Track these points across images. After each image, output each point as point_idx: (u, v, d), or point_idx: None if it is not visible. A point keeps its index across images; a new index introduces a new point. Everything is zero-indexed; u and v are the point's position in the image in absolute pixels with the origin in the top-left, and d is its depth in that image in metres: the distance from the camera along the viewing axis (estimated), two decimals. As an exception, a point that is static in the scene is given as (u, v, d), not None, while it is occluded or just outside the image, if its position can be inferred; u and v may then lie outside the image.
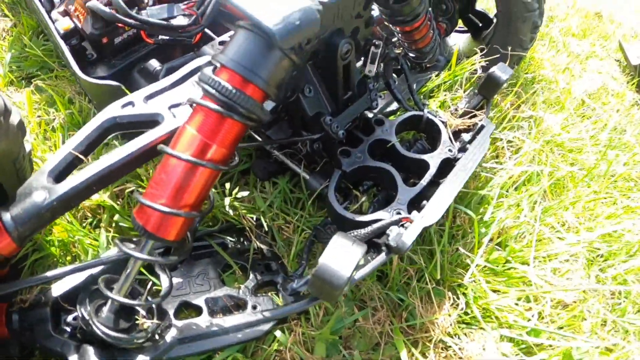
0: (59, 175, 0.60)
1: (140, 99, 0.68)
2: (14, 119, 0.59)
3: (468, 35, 1.27)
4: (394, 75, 0.91)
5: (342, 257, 0.53)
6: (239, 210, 0.81)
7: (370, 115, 0.84)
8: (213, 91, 0.53)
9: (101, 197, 0.82)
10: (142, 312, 0.63)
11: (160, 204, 0.54)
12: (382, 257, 0.64)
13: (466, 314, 0.80)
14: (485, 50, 1.09)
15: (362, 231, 0.66)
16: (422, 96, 0.99)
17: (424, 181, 0.74)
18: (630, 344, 0.94)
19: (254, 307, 0.72)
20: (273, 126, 0.81)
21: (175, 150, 0.55)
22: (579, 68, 1.39)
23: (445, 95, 0.94)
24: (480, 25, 1.21)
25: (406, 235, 0.62)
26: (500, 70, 0.84)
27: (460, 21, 1.24)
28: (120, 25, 0.88)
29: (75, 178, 0.58)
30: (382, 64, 0.85)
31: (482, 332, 0.77)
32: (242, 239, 0.81)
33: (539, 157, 0.92)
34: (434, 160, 0.77)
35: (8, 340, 0.63)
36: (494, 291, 0.82)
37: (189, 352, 0.65)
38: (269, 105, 0.71)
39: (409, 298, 0.77)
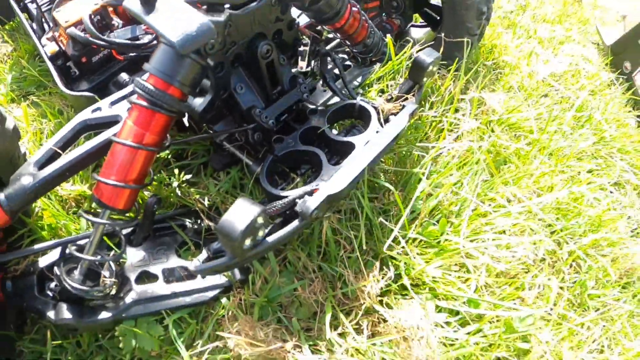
0: (42, 165, 0.78)
1: (106, 105, 0.86)
2: (9, 124, 0.79)
3: (428, 29, 1.32)
4: (337, 69, 0.99)
5: (239, 214, 0.62)
6: (193, 195, 0.92)
7: (310, 107, 0.93)
8: (143, 93, 0.69)
9: (82, 188, 0.96)
10: (105, 273, 0.77)
11: (111, 180, 0.70)
12: (294, 223, 0.71)
13: (401, 286, 0.85)
14: (434, 41, 1.15)
15: (279, 202, 0.73)
16: (366, 87, 1.06)
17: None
18: (585, 316, 0.95)
19: (203, 277, 0.83)
20: (220, 122, 0.90)
21: (120, 138, 0.71)
22: (548, 53, 1.40)
23: (385, 84, 1.01)
24: (438, 18, 1.27)
25: (310, 201, 0.70)
26: (425, 55, 0.89)
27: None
28: (95, 46, 1.03)
29: (53, 166, 0.76)
30: (316, 60, 0.94)
31: (413, 301, 0.82)
32: (198, 221, 0.91)
33: (480, 135, 0.96)
34: (360, 141, 0.83)
35: (3, 303, 0.79)
36: (427, 262, 0.87)
37: (145, 311, 0.79)
38: (204, 101, 0.82)
39: (343, 269, 0.84)
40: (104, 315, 0.76)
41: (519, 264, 0.89)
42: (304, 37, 0.92)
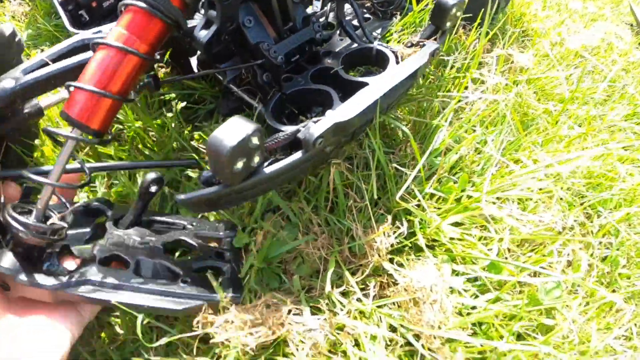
0: (29, 71, 0.70)
1: (108, 28, 0.74)
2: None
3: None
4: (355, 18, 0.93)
5: (230, 130, 0.54)
6: (197, 142, 0.85)
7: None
8: None
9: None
10: (57, 219, 0.64)
11: (88, 86, 0.60)
12: (297, 154, 0.63)
13: (414, 245, 0.77)
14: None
15: (281, 133, 0.66)
16: (385, 40, 0.98)
17: None
18: (616, 293, 0.86)
19: (183, 282, 0.68)
20: (227, 61, 0.83)
21: (106, 41, 0.62)
22: (579, 26, 1.32)
23: (406, 37, 0.94)
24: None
25: (314, 128, 0.62)
26: (449, -4, 0.82)
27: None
28: None
29: (39, 72, 0.69)
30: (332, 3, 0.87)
31: (428, 261, 0.74)
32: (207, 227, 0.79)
33: (506, 91, 0.89)
34: (375, 81, 0.75)
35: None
36: (444, 218, 0.79)
37: (91, 295, 0.62)
38: (209, 31, 0.75)
39: (351, 222, 0.76)
40: (47, 282, 0.61)
41: (545, 229, 0.80)
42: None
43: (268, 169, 0.62)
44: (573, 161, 0.86)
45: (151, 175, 0.71)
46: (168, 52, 0.85)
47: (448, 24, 0.84)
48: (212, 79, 0.89)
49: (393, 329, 0.70)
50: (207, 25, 0.75)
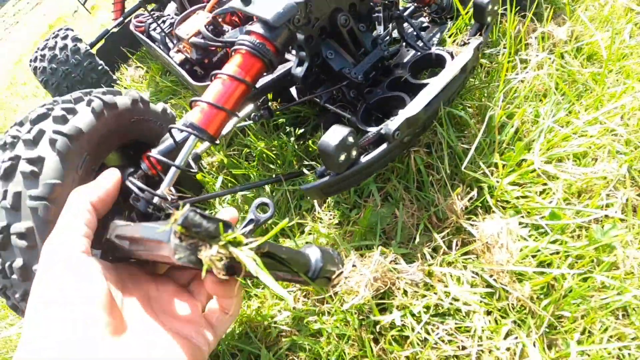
0: None
1: None
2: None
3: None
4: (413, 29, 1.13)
5: (332, 134, 0.79)
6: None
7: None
8: (248, 43, 0.87)
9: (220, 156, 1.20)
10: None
11: (210, 100, 0.84)
12: (383, 146, 0.86)
13: (485, 206, 0.96)
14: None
15: (370, 133, 0.88)
16: (444, 42, 1.16)
17: None
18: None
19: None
20: (320, 87, 1.08)
21: (223, 71, 0.87)
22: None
23: (460, 36, 1.11)
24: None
25: (391, 124, 0.84)
26: (483, -5, 0.99)
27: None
28: (213, 48, 1.28)
29: None
30: (393, 25, 1.08)
31: (495, 215, 0.93)
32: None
33: (550, 65, 1.02)
34: (435, 80, 0.96)
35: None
36: (509, 183, 0.96)
37: None
38: (303, 68, 1.01)
39: (434, 194, 0.97)
40: None
41: (599, 179, 0.95)
42: (378, 5, 1.07)
43: (364, 159, 0.86)
44: (619, 110, 0.98)
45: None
46: (270, 95, 1.12)
47: (489, 19, 1.01)
48: (311, 102, 1.15)
49: (475, 274, 0.90)
50: (300, 63, 1.00)
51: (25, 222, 0.76)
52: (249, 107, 1.04)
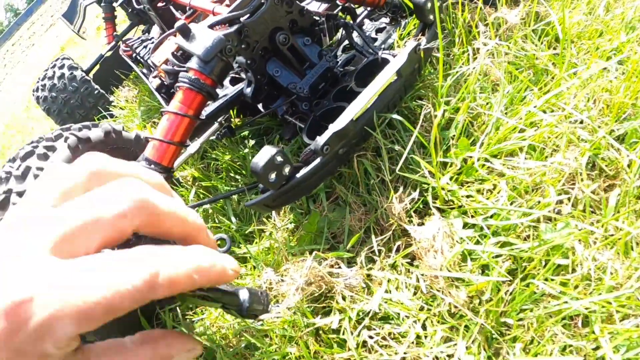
0: None
1: None
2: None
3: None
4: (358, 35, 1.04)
5: (261, 155, 0.76)
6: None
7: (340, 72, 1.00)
8: (188, 81, 0.86)
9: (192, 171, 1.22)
10: None
11: (160, 138, 0.86)
12: (316, 160, 0.81)
13: (427, 206, 0.86)
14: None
15: (307, 148, 0.83)
16: (400, 42, 1.05)
17: None
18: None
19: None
20: (275, 101, 1.04)
21: (168, 109, 0.87)
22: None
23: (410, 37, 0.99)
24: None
25: (319, 139, 0.79)
26: (418, -5, 0.87)
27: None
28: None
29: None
30: (340, 32, 1.00)
31: (434, 217, 0.82)
32: None
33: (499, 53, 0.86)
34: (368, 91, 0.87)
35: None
36: (452, 179, 0.85)
37: None
38: (251, 88, 0.99)
39: (377, 197, 0.88)
40: None
41: (552, 172, 0.79)
42: (321, 17, 1.00)
43: (299, 174, 0.82)
44: (578, 91, 0.80)
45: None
46: (234, 110, 1.10)
47: (430, 17, 0.89)
48: (273, 115, 1.12)
49: (416, 279, 0.81)
50: (249, 84, 0.98)
51: (26, 184, 0.85)
52: (214, 127, 1.05)
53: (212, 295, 0.60)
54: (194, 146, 1.01)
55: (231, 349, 0.92)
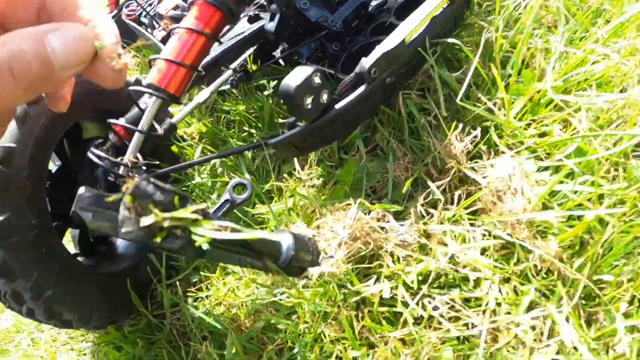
0: None
1: None
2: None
3: None
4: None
5: (294, 75, 0.59)
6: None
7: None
8: None
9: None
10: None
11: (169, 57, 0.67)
12: (361, 87, 0.65)
13: (491, 147, 0.70)
14: None
15: (347, 78, 0.67)
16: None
17: None
18: None
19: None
20: (300, 42, 0.88)
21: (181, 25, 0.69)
22: None
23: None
24: None
25: (365, 60, 0.63)
26: None
27: None
28: None
29: None
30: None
31: (505, 156, 0.67)
32: None
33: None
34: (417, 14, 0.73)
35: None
36: (517, 118, 0.70)
37: None
38: (275, 21, 0.82)
39: (428, 139, 0.72)
40: None
41: (631, 105, 0.66)
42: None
43: (338, 105, 0.65)
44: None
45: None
46: (251, 55, 0.93)
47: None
48: (293, 62, 0.96)
49: (485, 232, 0.65)
50: (272, 17, 0.82)
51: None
52: (227, 73, 0.87)
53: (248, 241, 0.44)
54: (202, 95, 0.82)
55: (245, 332, 0.69)
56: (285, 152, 0.71)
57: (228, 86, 0.89)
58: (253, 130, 0.91)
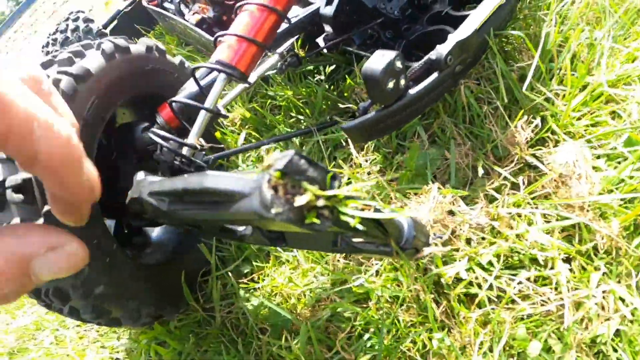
0: None
1: None
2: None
3: None
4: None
5: (378, 58, 0.58)
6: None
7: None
8: None
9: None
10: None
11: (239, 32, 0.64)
12: (434, 74, 0.65)
13: (551, 135, 0.74)
14: None
15: (417, 64, 0.68)
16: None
17: None
18: None
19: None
20: (353, 29, 0.86)
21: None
22: None
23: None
24: None
25: (440, 47, 0.64)
26: None
27: None
28: (230, 1, 1.07)
29: None
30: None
31: (565, 143, 0.71)
32: None
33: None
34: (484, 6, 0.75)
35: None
36: (574, 109, 0.75)
37: None
38: (333, 5, 0.80)
39: (490, 126, 0.75)
40: None
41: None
42: None
43: (413, 90, 0.65)
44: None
45: None
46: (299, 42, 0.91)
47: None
48: (341, 50, 0.94)
49: (549, 215, 0.68)
50: (329, 1, 0.80)
51: (22, 174, 0.57)
52: (274, 58, 0.84)
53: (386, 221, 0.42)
54: (250, 78, 0.78)
55: (311, 321, 0.69)
56: (355, 136, 0.70)
57: (274, 71, 0.85)
58: (301, 117, 0.89)
